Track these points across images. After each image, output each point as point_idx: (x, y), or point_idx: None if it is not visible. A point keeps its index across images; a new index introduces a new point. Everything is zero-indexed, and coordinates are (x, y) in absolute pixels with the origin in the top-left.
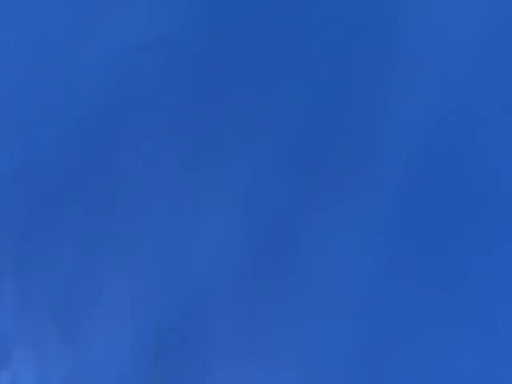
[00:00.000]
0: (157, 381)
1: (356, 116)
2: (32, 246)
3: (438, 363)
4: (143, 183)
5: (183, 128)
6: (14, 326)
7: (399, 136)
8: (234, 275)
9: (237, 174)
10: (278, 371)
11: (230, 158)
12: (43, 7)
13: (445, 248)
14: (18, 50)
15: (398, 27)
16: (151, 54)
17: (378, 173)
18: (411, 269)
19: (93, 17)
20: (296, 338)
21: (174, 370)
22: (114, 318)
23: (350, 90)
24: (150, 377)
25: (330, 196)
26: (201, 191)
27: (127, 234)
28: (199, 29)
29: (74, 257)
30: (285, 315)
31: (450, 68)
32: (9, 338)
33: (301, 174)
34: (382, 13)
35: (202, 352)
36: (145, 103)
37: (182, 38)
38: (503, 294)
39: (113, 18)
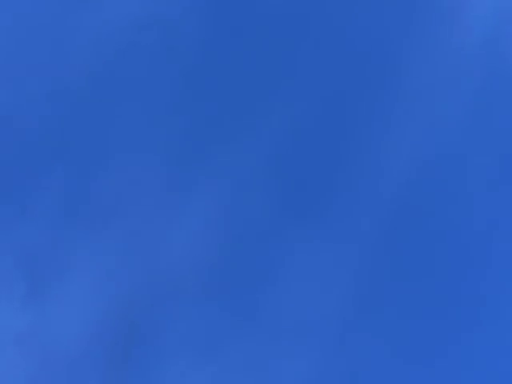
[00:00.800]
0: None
1: (346, 151)
2: (10, 196)
3: None
4: (129, 160)
5: (171, 117)
6: None
7: (385, 177)
8: (204, 276)
9: (221, 179)
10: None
11: (217, 163)
12: None
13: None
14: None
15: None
16: (148, 35)
17: (361, 208)
18: (383, 297)
19: None
20: (256, 353)
21: (125, 355)
22: (80, 285)
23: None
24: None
25: (311, 216)
26: (184, 188)
27: (107, 206)
28: (198, 16)
29: (50, 215)
30: (247, 326)
31: (443, 118)
32: None
33: (284, 191)
34: (380, 57)
35: (155, 343)
36: (135, 85)
37: (180, 23)
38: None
39: None
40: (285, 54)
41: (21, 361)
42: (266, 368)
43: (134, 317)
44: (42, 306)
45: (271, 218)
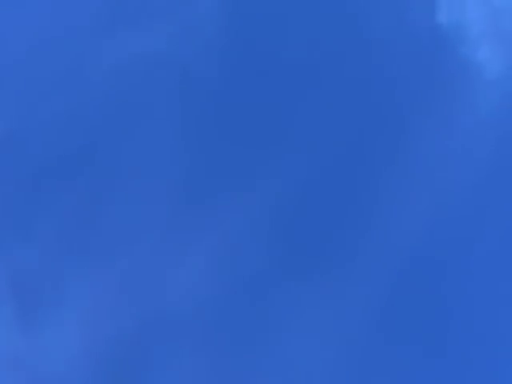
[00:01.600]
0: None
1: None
2: (12, 217)
3: None
4: (135, 196)
5: (179, 155)
6: None
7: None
8: (201, 324)
9: (225, 226)
10: None
11: (223, 209)
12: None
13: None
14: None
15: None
16: (162, 70)
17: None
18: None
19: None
20: None
21: None
22: (73, 316)
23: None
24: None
25: (314, 272)
26: (188, 231)
27: (110, 239)
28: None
29: (47, 236)
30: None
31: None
32: None
33: (288, 244)
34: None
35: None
36: (145, 118)
37: (195, 60)
38: None
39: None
40: (296, 109)
41: None
42: None
43: (125, 357)
44: (33, 332)
45: (273, 271)
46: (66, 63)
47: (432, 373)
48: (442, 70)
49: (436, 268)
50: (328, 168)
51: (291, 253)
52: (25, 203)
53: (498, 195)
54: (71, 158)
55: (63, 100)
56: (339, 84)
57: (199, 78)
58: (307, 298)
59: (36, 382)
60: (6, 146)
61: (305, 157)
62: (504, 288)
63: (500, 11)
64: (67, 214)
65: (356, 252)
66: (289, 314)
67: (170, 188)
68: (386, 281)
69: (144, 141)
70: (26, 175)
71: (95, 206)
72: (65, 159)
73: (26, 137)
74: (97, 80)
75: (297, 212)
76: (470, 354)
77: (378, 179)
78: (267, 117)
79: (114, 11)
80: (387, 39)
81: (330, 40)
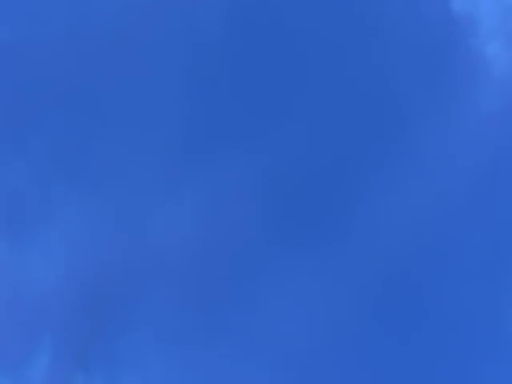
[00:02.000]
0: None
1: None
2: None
3: None
4: (133, 128)
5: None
6: None
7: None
8: (184, 267)
9: (222, 178)
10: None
11: (222, 162)
12: None
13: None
14: None
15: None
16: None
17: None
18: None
19: None
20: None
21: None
22: (60, 234)
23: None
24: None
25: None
26: (185, 175)
27: (104, 168)
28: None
29: (39, 153)
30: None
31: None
32: None
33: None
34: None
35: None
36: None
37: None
38: None
39: None
40: (304, 85)
41: None
42: (228, 370)
43: (107, 286)
44: (18, 248)
45: (262, 232)
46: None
47: (408, 349)
48: (450, 60)
49: (423, 258)
50: (330, 146)
51: (283, 218)
52: (19, 117)
53: (494, 192)
54: (75, 79)
55: (67, 20)
56: (348, 67)
57: (207, 33)
58: (292, 265)
59: (17, 299)
60: (6, 57)
61: (308, 131)
62: (486, 285)
63: (511, 9)
64: (63, 133)
65: (347, 231)
66: (270, 275)
67: (170, 132)
68: (374, 263)
69: (148, 83)
70: (24, 87)
71: (92, 131)
72: (68, 79)
73: (29, 50)
74: (105, 11)
75: (295, 181)
76: (444, 342)
77: (376, 164)
78: (277, 83)
79: None
80: (399, 26)
81: (341, 26)
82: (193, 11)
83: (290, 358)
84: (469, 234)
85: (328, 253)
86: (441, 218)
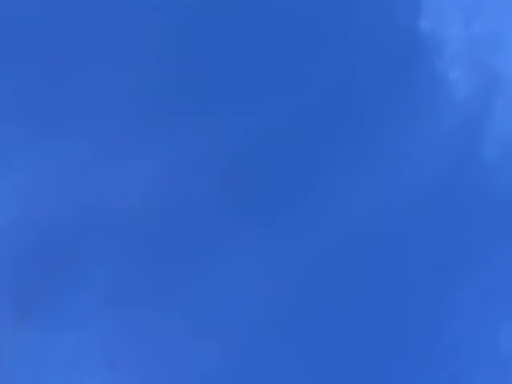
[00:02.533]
0: None
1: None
2: None
3: None
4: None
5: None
6: None
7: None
8: (141, 222)
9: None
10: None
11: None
12: None
13: None
14: None
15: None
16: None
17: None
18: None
19: None
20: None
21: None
22: (15, 180)
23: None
24: None
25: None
26: (146, 137)
27: (67, 116)
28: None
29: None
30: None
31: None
32: None
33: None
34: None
35: None
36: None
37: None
38: None
39: None
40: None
41: None
42: (170, 340)
43: (55, 239)
44: None
45: (221, 201)
46: None
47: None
48: (413, 80)
49: (370, 256)
50: (302, 130)
51: (240, 192)
52: None
53: (444, 202)
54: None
55: None
56: (316, 72)
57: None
58: (243, 240)
59: None
60: None
61: (275, 117)
62: (429, 289)
63: (478, 37)
64: (25, 77)
65: (299, 218)
66: (220, 247)
67: (141, 90)
68: (322, 253)
69: (119, 37)
70: None
71: (56, 78)
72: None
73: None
74: None
75: (260, 154)
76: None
77: (335, 160)
78: (253, 63)
79: None
80: (366, 38)
81: (314, 33)
82: None
83: (231, 331)
84: (415, 240)
85: (279, 234)
86: (390, 222)
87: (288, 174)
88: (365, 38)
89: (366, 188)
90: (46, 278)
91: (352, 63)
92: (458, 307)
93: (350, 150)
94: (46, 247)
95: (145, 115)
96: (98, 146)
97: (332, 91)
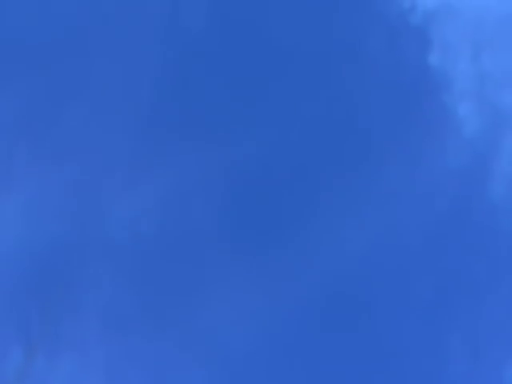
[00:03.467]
0: None
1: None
2: None
3: None
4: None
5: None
6: None
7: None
8: (137, 250)
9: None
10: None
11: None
12: None
13: None
14: None
15: None
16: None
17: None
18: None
19: None
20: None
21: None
22: (17, 204)
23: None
24: None
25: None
26: (143, 167)
27: (66, 133)
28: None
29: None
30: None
31: None
32: None
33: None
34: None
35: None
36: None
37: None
38: None
39: None
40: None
41: None
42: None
43: (57, 264)
44: None
45: (215, 230)
46: None
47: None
48: (422, 115)
49: (371, 285)
50: (301, 158)
51: (238, 219)
52: None
53: (447, 242)
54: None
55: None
56: (322, 103)
57: (186, 28)
58: (240, 268)
59: None
60: None
61: (274, 142)
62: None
63: (487, 74)
64: (29, 100)
65: (300, 245)
66: (218, 274)
67: (137, 115)
68: (321, 282)
69: (120, 66)
70: None
71: (62, 107)
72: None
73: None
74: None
75: (262, 184)
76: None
77: (340, 191)
78: (254, 88)
79: None
80: (375, 70)
81: (320, 62)
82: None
83: (227, 359)
84: (419, 278)
85: (278, 261)
86: (394, 260)
87: (290, 206)
88: (373, 73)
89: (369, 224)
90: (47, 303)
91: (360, 97)
92: (460, 346)
93: (354, 184)
94: (47, 271)
95: (147, 141)
96: (101, 171)
97: (339, 124)
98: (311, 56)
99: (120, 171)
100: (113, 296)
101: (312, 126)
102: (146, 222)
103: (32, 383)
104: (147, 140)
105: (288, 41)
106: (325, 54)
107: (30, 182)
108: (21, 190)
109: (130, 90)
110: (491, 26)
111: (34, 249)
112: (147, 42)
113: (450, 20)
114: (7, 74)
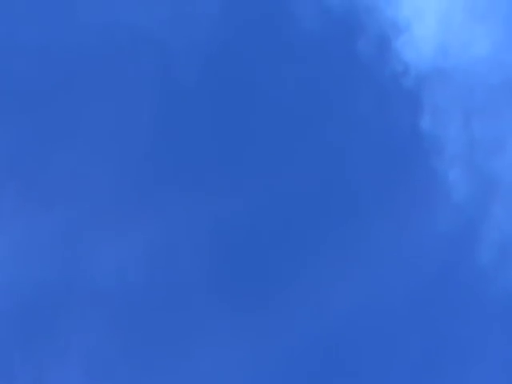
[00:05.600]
0: None
1: None
2: None
3: None
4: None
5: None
6: None
7: None
8: (125, 299)
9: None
10: None
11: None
12: None
13: None
14: None
15: None
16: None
17: None
18: None
19: None
20: None
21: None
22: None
23: None
24: None
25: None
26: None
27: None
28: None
29: None
30: None
31: None
32: None
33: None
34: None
35: None
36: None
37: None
38: None
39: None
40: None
41: None
42: None
43: (42, 308)
44: None
45: (203, 281)
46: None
47: None
48: (411, 179)
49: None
50: (288, 217)
51: (225, 272)
52: None
53: (435, 306)
54: (43, 90)
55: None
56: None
57: (180, 71)
58: (226, 321)
59: None
60: None
61: (264, 199)
62: None
63: (477, 140)
64: (19, 143)
65: (287, 304)
66: (203, 328)
67: (126, 164)
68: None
69: (116, 110)
70: None
71: (53, 148)
72: (35, 90)
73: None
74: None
75: (244, 237)
76: None
77: (329, 251)
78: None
79: None
80: (365, 136)
81: (313, 124)
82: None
83: None
84: (406, 342)
85: (263, 318)
86: (380, 323)
87: (276, 264)
88: (363, 134)
89: (356, 286)
90: (31, 348)
91: (349, 159)
92: None
93: (342, 246)
94: (32, 316)
95: (137, 190)
96: (89, 218)
97: (328, 186)
98: (301, 115)
99: (109, 219)
100: (98, 343)
101: (301, 187)
102: (133, 271)
103: None
104: (136, 189)
105: (278, 99)
106: (315, 114)
107: (17, 226)
108: (8, 233)
109: (120, 138)
110: (482, 92)
111: (20, 293)
112: (139, 92)
113: (442, 85)
114: None
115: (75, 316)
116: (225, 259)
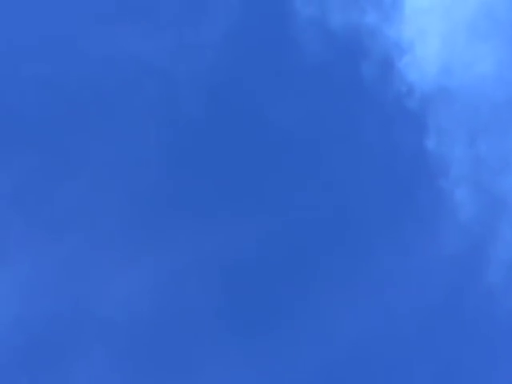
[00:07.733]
0: None
1: None
2: None
3: None
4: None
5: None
6: None
7: None
8: (132, 328)
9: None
10: None
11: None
12: None
13: None
14: None
15: None
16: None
17: None
18: None
19: None
20: None
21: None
22: (12, 279)
23: None
24: None
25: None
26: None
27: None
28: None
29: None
30: None
31: None
32: None
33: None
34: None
35: None
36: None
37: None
38: None
39: None
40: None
41: None
42: None
43: (50, 339)
44: None
45: (210, 314)
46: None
47: None
48: (418, 200)
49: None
50: (295, 244)
51: (234, 304)
52: None
53: (443, 329)
54: (52, 120)
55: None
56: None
57: (185, 104)
58: (234, 352)
59: None
60: None
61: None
62: None
63: (484, 160)
64: (27, 175)
65: (296, 332)
66: (211, 360)
67: (134, 195)
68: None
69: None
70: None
71: (59, 181)
72: (44, 120)
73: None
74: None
75: (253, 268)
76: None
77: (334, 276)
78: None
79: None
80: (372, 157)
81: (319, 146)
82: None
83: None
84: (415, 366)
85: (272, 347)
86: (388, 347)
87: (284, 289)
88: (369, 156)
89: (363, 310)
90: (38, 379)
91: (355, 181)
92: None
93: (348, 270)
94: (40, 346)
95: (145, 221)
96: (97, 249)
97: (333, 209)
98: (306, 140)
99: (117, 250)
100: (105, 374)
101: (307, 211)
102: (141, 302)
103: None
104: (144, 220)
105: (283, 123)
106: (320, 138)
107: (26, 257)
108: (17, 264)
109: (127, 168)
110: (487, 111)
111: (27, 324)
112: (145, 121)
113: (446, 104)
114: (5, 150)
115: (83, 347)
116: (235, 288)
